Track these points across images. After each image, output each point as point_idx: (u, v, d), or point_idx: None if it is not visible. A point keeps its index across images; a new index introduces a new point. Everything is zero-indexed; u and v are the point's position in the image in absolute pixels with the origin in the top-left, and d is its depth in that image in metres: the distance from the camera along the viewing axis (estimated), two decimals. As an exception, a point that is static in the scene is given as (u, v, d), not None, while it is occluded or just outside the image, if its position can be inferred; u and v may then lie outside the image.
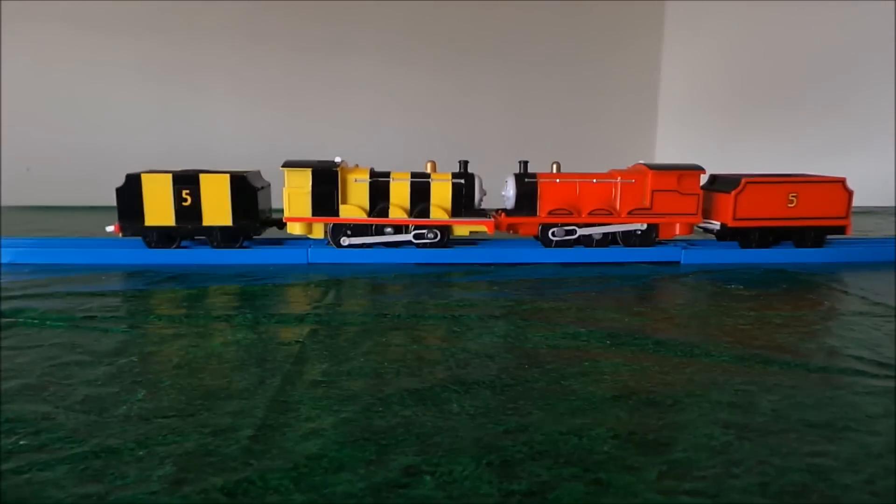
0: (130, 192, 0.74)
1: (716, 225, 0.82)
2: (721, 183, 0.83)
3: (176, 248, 0.76)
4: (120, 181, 0.74)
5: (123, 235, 0.75)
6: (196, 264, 0.75)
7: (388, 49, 2.33)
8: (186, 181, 0.74)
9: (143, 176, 0.74)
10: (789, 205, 0.81)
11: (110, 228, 0.75)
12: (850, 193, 0.82)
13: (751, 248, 0.82)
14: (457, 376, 0.41)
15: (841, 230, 0.82)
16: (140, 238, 0.76)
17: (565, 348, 0.47)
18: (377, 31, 2.30)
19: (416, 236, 0.78)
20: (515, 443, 0.32)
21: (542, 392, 0.39)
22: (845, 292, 0.65)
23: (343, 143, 2.28)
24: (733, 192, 0.80)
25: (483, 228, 0.78)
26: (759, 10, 2.34)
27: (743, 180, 0.80)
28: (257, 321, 0.53)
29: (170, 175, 0.74)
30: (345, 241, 0.77)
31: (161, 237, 0.75)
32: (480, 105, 2.48)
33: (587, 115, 2.68)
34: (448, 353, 0.46)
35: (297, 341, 0.48)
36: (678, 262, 0.80)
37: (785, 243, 0.85)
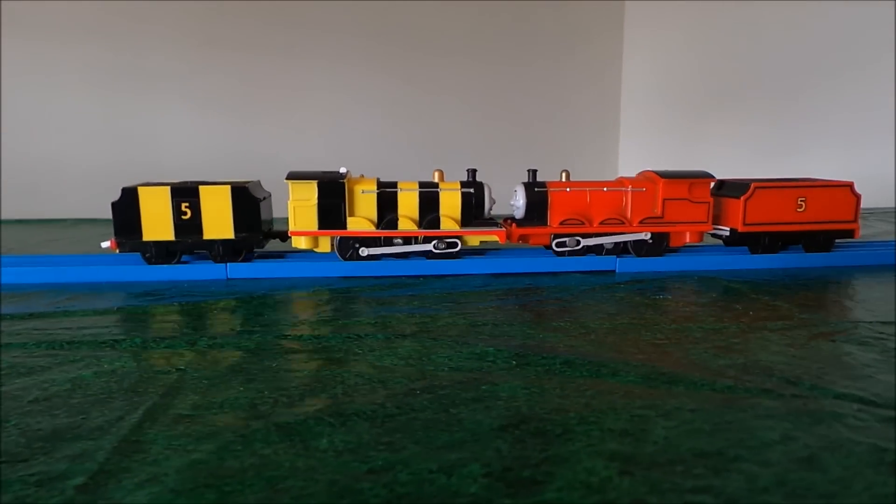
0: (127, 206, 0.71)
1: (725, 231, 0.81)
2: (729, 188, 0.82)
3: (176, 263, 0.74)
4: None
5: (120, 251, 0.72)
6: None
7: (347, 53, 2.29)
8: (186, 193, 0.72)
9: (139, 189, 0.71)
10: (798, 209, 0.80)
11: (106, 244, 0.72)
12: (858, 197, 0.81)
13: (760, 253, 0.81)
14: (338, 406, 0.38)
15: (850, 234, 0.82)
16: (138, 253, 0.73)
17: (467, 370, 0.45)
18: (334, 34, 2.27)
19: (433, 246, 0.76)
20: (375, 485, 0.30)
21: (425, 423, 0.36)
22: (774, 302, 0.63)
23: (300, 150, 2.24)
24: (743, 198, 0.79)
25: (495, 238, 0.77)
26: (718, 10, 2.35)
27: (752, 185, 0.79)
28: (145, 346, 0.50)
29: (168, 188, 0.72)
30: (364, 251, 0.75)
31: (160, 252, 0.73)
32: (443, 108, 2.45)
33: (551, 115, 2.68)
34: (339, 378, 0.43)
35: (179, 369, 0.44)
36: (613, 271, 0.78)
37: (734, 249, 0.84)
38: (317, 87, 2.25)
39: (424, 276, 0.75)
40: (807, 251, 0.82)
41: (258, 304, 0.63)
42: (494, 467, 0.31)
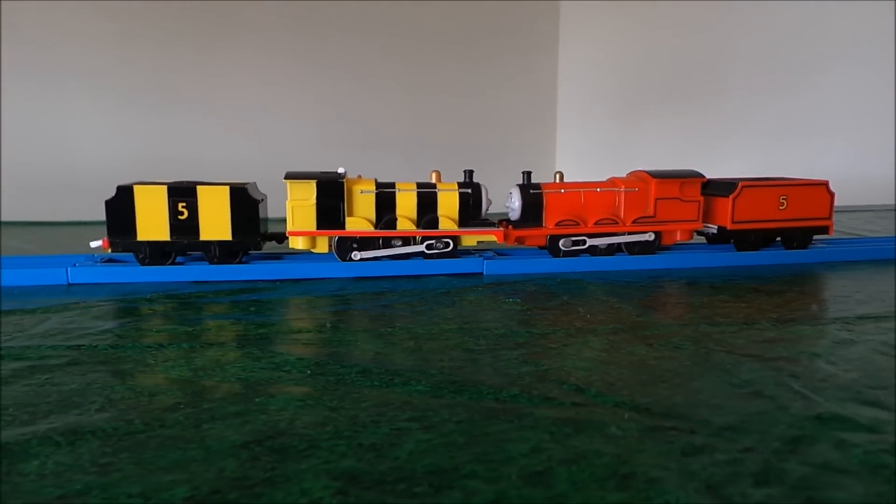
0: (121, 205, 0.69)
1: (713, 228, 0.84)
2: (716, 187, 0.84)
3: (171, 264, 0.72)
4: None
5: (113, 251, 0.71)
6: None
7: (273, 50, 2.24)
8: (183, 193, 0.70)
9: (135, 188, 0.70)
10: (780, 207, 0.83)
11: (96, 244, 0.71)
12: (832, 195, 0.85)
13: (747, 250, 0.84)
14: (80, 423, 0.35)
15: (824, 230, 0.85)
16: (131, 254, 0.72)
17: (254, 381, 0.42)
18: (260, 30, 2.22)
19: (427, 247, 0.76)
20: (53, 514, 0.27)
21: (164, 440, 0.34)
22: (620, 304, 0.63)
23: (223, 150, 2.19)
24: (731, 196, 0.81)
25: (493, 238, 0.77)
26: (651, 9, 2.38)
27: (740, 184, 0.82)
28: None
29: (164, 187, 0.70)
30: (356, 255, 0.74)
31: (154, 253, 0.71)
32: (374, 107, 2.42)
33: (486, 111, 2.67)
34: (106, 392, 0.40)
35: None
36: (481, 274, 0.76)
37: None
38: (239, 85, 2.20)
39: (281, 281, 0.72)
40: (786, 248, 0.86)
41: (81, 312, 0.59)
42: (203, 490, 0.29)
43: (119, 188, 0.70)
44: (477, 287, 0.70)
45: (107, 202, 0.70)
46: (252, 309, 0.61)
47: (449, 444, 0.34)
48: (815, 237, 0.88)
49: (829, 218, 0.85)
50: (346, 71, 2.37)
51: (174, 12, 2.09)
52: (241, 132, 2.23)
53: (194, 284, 0.70)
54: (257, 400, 0.39)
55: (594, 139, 2.73)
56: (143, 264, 0.71)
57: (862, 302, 0.62)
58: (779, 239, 0.88)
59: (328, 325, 0.56)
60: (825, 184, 0.85)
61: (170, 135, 2.14)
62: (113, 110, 2.04)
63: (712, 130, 2.27)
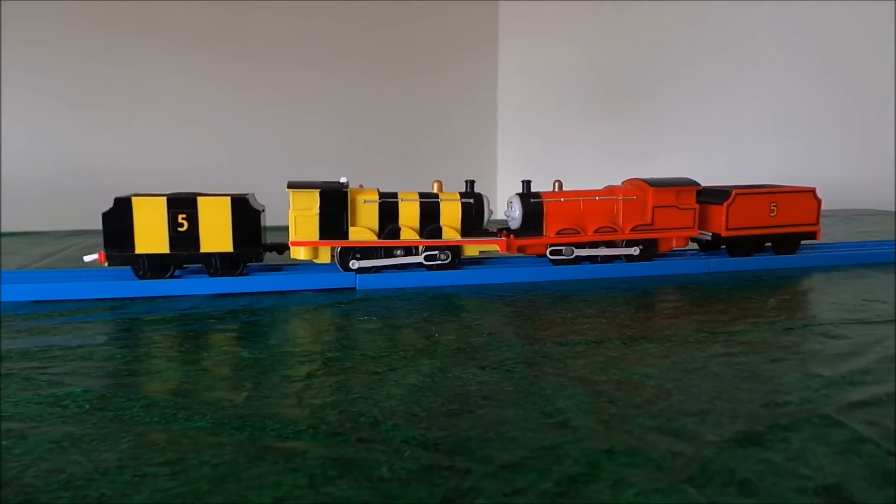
0: (119, 218, 0.68)
1: (707, 235, 0.86)
2: (708, 195, 0.86)
3: (170, 277, 0.71)
4: None
5: (110, 265, 0.69)
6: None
7: (194, 57, 2.17)
8: (183, 205, 0.69)
9: (133, 199, 0.69)
10: (771, 214, 0.86)
11: (91, 258, 0.70)
12: (819, 202, 0.88)
13: (738, 256, 0.86)
14: None
15: (812, 236, 0.89)
16: (129, 268, 0.70)
17: (20, 419, 0.38)
18: (179, 37, 2.15)
19: (427, 258, 0.76)
20: None
21: None
22: (479, 320, 0.60)
23: (139, 162, 2.10)
24: (725, 204, 0.84)
25: (495, 248, 0.77)
26: (586, 12, 2.39)
27: (733, 192, 0.84)
28: None
29: (164, 198, 0.69)
30: (354, 264, 0.74)
31: (153, 266, 0.70)
32: (306, 117, 2.36)
33: (426, 123, 2.63)
34: None
35: None
36: (353, 289, 0.73)
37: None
38: (163, 93, 2.13)
39: (131, 299, 0.67)
40: (776, 253, 0.88)
41: None
42: None
43: (117, 200, 0.69)
44: (341, 303, 0.67)
45: (104, 214, 0.68)
46: (82, 331, 0.56)
47: (190, 492, 0.30)
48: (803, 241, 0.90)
49: (817, 224, 0.88)
50: (274, 77, 2.32)
51: (93, 14, 2.01)
52: (160, 142, 2.15)
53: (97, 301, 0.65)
54: (4, 444, 0.35)
55: (534, 144, 2.72)
56: (140, 278, 0.70)
57: (734, 318, 0.61)
58: (769, 244, 0.89)
59: (143, 349, 0.51)
60: (812, 191, 0.88)
61: (76, 144, 2.06)
62: (14, 117, 1.95)
63: (645, 133, 2.29)
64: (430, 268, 0.76)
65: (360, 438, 0.36)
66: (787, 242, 0.88)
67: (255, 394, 0.42)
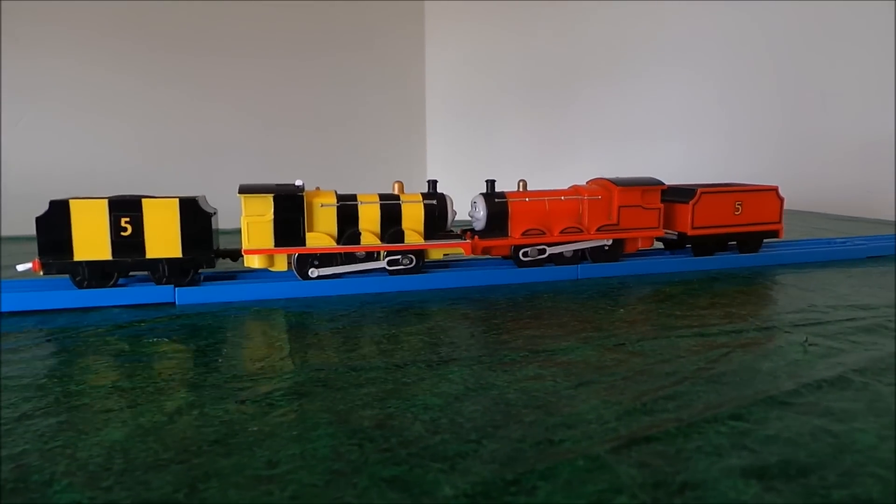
0: (55, 222, 0.63)
1: (674, 235, 0.86)
2: (673, 193, 0.85)
3: (113, 285, 0.67)
4: None
5: (45, 273, 0.64)
6: None
7: (89, 48, 2.04)
8: (126, 207, 0.65)
9: (71, 202, 0.64)
10: (735, 213, 0.86)
11: (24, 267, 0.64)
12: (782, 200, 0.89)
13: (704, 255, 0.86)
14: None
15: (775, 234, 0.89)
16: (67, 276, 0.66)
17: None
18: (72, 27, 2.01)
19: (389, 262, 0.73)
20: None
21: None
22: (279, 341, 0.53)
23: (28, 161, 1.96)
24: (691, 203, 0.83)
25: (459, 251, 0.75)
26: (510, 10, 2.36)
27: (699, 191, 0.84)
28: None
29: (105, 201, 0.65)
30: (313, 272, 0.70)
31: (94, 273, 0.65)
32: (215, 115, 2.25)
33: (354, 123, 2.56)
34: None
35: None
36: (173, 304, 0.65)
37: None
38: (48, 87, 1.99)
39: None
40: (741, 252, 0.88)
41: None
42: None
43: (52, 203, 0.64)
44: (143, 322, 0.59)
45: (38, 219, 0.63)
46: None
47: None
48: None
49: (780, 222, 0.89)
50: (191, 76, 2.21)
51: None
52: (44, 139, 2.01)
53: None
54: None
55: (462, 143, 2.68)
56: (80, 287, 0.65)
57: (569, 333, 0.55)
58: (732, 243, 0.89)
59: None
60: (775, 189, 0.89)
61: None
62: None
63: (566, 133, 2.28)
64: (391, 273, 0.73)
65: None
66: (751, 241, 0.88)
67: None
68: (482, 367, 0.47)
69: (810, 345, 0.51)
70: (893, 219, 1.31)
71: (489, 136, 2.53)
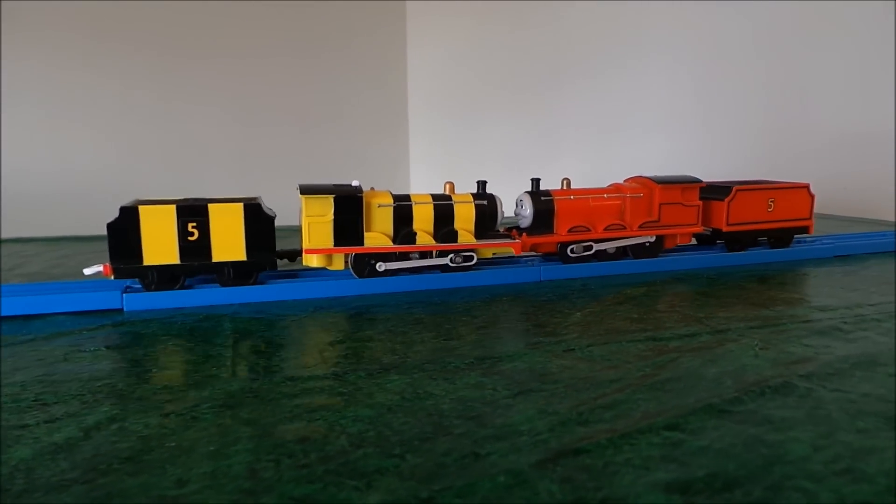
0: (125, 228, 0.65)
1: (708, 231, 0.89)
2: (709, 191, 0.87)
3: (180, 288, 0.68)
4: None
5: (116, 277, 0.66)
6: None
7: (61, 49, 2.01)
8: (193, 213, 0.66)
9: (141, 208, 0.65)
10: (769, 209, 0.88)
11: (93, 270, 0.65)
12: (812, 197, 0.91)
13: (737, 251, 0.88)
14: None
15: (805, 230, 0.91)
16: (137, 279, 0.68)
17: None
18: (45, 26, 1.98)
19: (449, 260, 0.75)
20: None
21: None
22: (222, 351, 0.52)
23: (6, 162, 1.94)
24: (726, 200, 0.86)
25: (510, 250, 0.77)
26: (491, 9, 2.34)
27: (734, 188, 0.86)
28: None
29: (174, 206, 0.66)
30: (381, 266, 0.72)
31: (162, 277, 0.67)
32: (195, 115, 2.23)
33: (336, 124, 2.54)
34: None
35: None
36: (121, 310, 0.64)
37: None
38: (25, 91, 1.96)
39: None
40: (772, 247, 0.90)
41: None
42: None
43: (122, 209, 0.65)
44: (83, 330, 0.58)
45: (109, 225, 0.65)
46: None
47: None
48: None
49: (810, 218, 0.91)
50: (171, 76, 2.18)
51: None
52: (22, 142, 1.98)
53: None
54: None
55: (445, 141, 2.67)
56: (148, 290, 0.67)
57: (517, 337, 0.54)
58: (763, 238, 0.92)
59: None
60: (807, 186, 0.91)
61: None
62: None
63: (549, 129, 2.27)
64: (447, 269, 0.76)
65: None
66: (783, 236, 0.90)
67: None
68: (423, 376, 0.46)
69: (761, 349, 0.51)
70: (867, 217, 1.31)
71: (472, 133, 2.52)
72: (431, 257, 0.75)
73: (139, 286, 0.68)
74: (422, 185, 2.66)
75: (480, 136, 2.49)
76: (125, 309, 0.65)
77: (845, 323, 0.57)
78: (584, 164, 2.11)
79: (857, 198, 1.35)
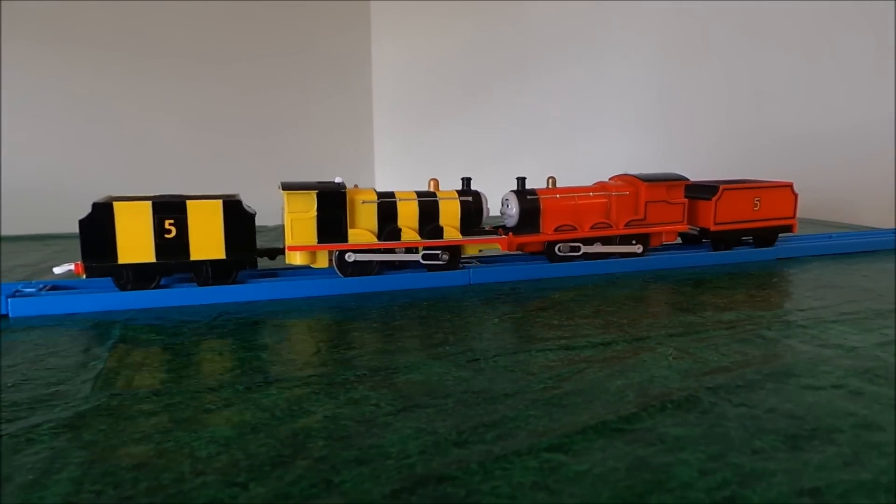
0: (98, 225, 0.62)
1: (695, 230, 0.88)
2: (694, 190, 0.86)
3: (155, 287, 0.66)
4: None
5: (88, 276, 0.63)
6: None
7: (35, 45, 1.94)
8: (170, 209, 0.64)
9: (115, 204, 0.62)
10: (754, 208, 0.88)
11: (63, 269, 0.63)
12: (796, 196, 0.91)
13: (723, 250, 0.88)
14: None
15: (789, 229, 0.91)
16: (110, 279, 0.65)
17: None
18: (19, 24, 1.91)
19: (424, 257, 0.74)
20: None
21: None
22: (121, 364, 0.47)
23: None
24: (714, 199, 0.85)
25: (496, 246, 0.76)
26: (455, 9, 2.32)
27: (721, 187, 0.85)
28: None
29: (149, 203, 0.63)
30: (350, 256, 0.71)
31: (137, 276, 0.64)
32: (157, 117, 2.16)
33: (296, 122, 2.49)
34: None
35: None
36: (6, 316, 0.59)
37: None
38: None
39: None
40: (757, 246, 0.90)
41: None
42: None
43: (95, 205, 0.62)
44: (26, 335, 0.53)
45: (81, 221, 0.62)
46: None
47: None
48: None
49: (794, 217, 0.91)
50: (132, 78, 2.12)
51: None
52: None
53: None
54: None
55: (409, 142, 2.64)
56: (122, 290, 0.64)
57: (427, 347, 0.51)
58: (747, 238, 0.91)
59: None
60: (790, 185, 0.90)
61: None
62: None
63: (512, 129, 2.26)
64: (428, 268, 0.75)
65: None
66: (767, 236, 0.90)
67: None
68: (306, 390, 0.42)
69: (675, 358, 0.48)
70: (819, 217, 1.30)
71: (435, 134, 2.49)
72: (418, 253, 0.73)
73: (31, 290, 0.64)
74: (387, 184, 2.64)
75: (443, 136, 2.46)
76: (10, 315, 0.60)
77: (769, 330, 0.55)
78: (546, 163, 2.09)
79: (815, 197, 1.35)
